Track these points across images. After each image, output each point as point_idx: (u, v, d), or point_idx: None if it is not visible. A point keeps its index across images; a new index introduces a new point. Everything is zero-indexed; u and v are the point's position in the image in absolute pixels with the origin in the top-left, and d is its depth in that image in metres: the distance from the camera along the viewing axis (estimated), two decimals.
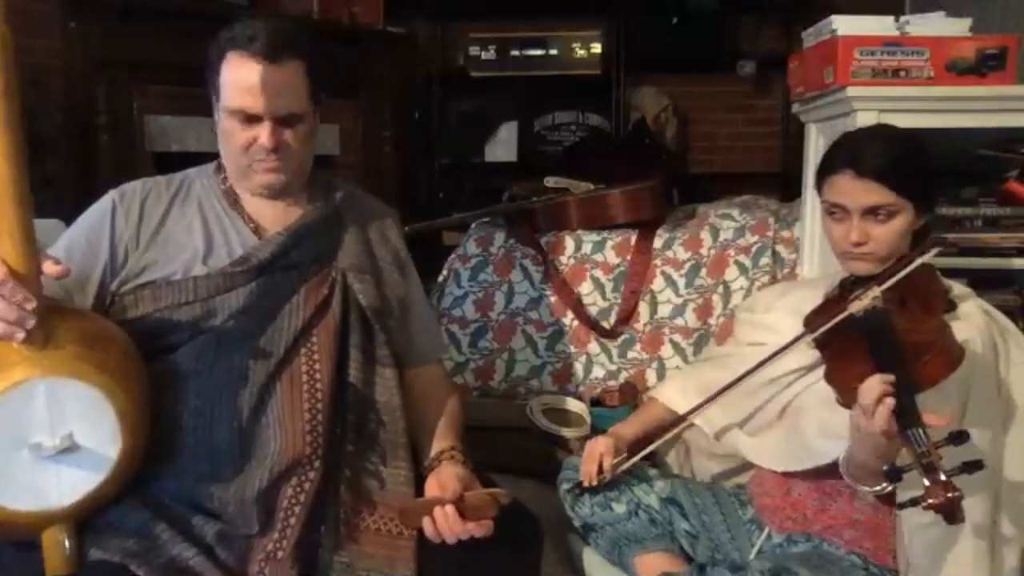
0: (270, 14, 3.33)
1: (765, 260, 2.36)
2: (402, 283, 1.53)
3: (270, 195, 1.46)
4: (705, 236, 2.46)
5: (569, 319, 2.45)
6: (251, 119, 1.38)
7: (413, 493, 1.38)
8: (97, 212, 1.43)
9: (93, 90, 2.86)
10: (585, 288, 2.47)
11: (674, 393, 1.71)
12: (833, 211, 1.47)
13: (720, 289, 2.38)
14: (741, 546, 1.54)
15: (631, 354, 2.41)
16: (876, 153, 1.44)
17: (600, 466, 1.57)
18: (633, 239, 2.48)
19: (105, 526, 1.23)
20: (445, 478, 1.37)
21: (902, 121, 1.86)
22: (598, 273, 2.47)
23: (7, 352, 1.12)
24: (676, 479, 1.68)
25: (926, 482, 1.10)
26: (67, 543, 1.17)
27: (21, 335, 1.10)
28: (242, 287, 1.38)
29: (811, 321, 1.48)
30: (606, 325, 2.44)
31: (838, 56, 1.93)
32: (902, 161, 1.44)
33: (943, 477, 1.09)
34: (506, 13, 4.79)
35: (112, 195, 1.44)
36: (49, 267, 1.12)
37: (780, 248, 2.39)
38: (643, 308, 2.43)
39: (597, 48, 4.88)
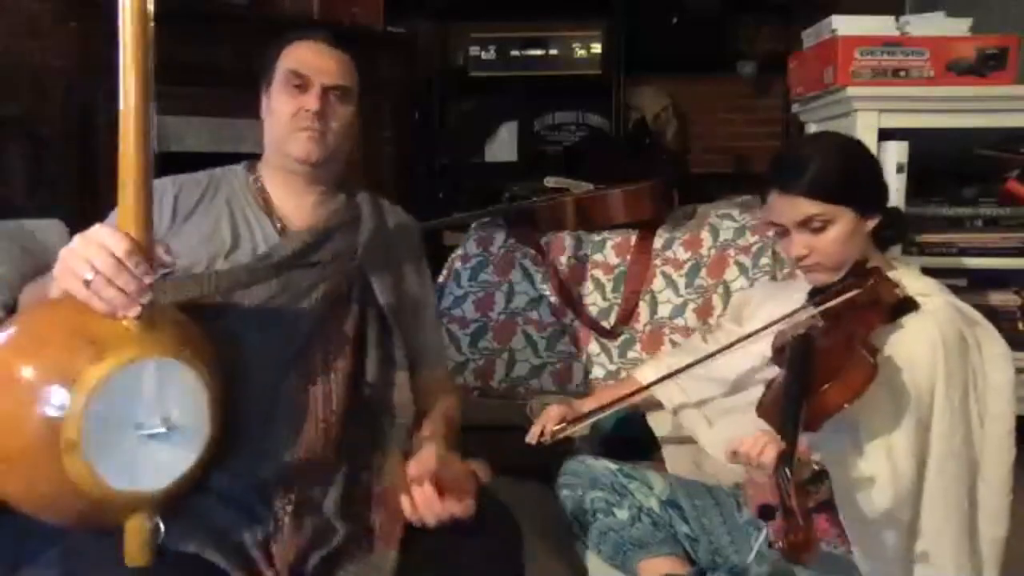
0: (271, 14, 3.35)
1: (765, 260, 2.36)
2: (419, 284, 1.59)
3: (305, 168, 1.46)
4: (705, 236, 2.46)
5: (569, 319, 2.45)
6: (301, 88, 1.44)
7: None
8: None
9: (93, 90, 2.85)
10: (585, 288, 2.47)
11: (648, 371, 1.73)
12: (776, 228, 1.50)
13: (720, 289, 2.38)
14: (741, 548, 1.54)
15: (631, 354, 2.41)
16: (797, 167, 1.44)
17: (544, 430, 1.64)
18: (633, 239, 2.48)
19: (175, 516, 1.20)
20: (424, 456, 1.32)
21: (902, 121, 1.86)
22: (598, 273, 2.47)
23: (115, 329, 1.09)
24: (675, 480, 1.68)
25: (783, 523, 1.11)
26: (150, 531, 1.13)
27: (136, 310, 1.08)
28: (263, 283, 1.40)
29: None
30: (606, 325, 2.43)
31: (838, 56, 1.93)
32: (826, 171, 1.44)
33: (799, 521, 1.10)
34: (506, 13, 4.80)
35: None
36: (161, 253, 1.12)
37: (780, 248, 2.38)
38: (643, 308, 2.43)
39: (597, 48, 4.89)
